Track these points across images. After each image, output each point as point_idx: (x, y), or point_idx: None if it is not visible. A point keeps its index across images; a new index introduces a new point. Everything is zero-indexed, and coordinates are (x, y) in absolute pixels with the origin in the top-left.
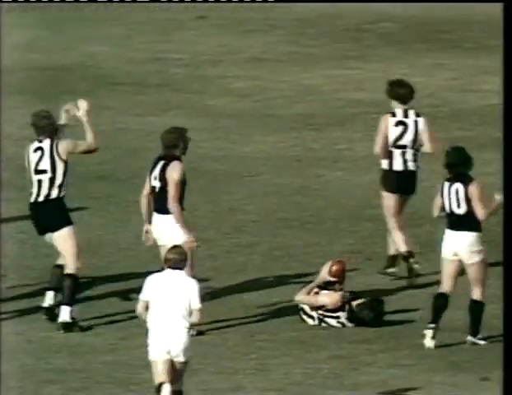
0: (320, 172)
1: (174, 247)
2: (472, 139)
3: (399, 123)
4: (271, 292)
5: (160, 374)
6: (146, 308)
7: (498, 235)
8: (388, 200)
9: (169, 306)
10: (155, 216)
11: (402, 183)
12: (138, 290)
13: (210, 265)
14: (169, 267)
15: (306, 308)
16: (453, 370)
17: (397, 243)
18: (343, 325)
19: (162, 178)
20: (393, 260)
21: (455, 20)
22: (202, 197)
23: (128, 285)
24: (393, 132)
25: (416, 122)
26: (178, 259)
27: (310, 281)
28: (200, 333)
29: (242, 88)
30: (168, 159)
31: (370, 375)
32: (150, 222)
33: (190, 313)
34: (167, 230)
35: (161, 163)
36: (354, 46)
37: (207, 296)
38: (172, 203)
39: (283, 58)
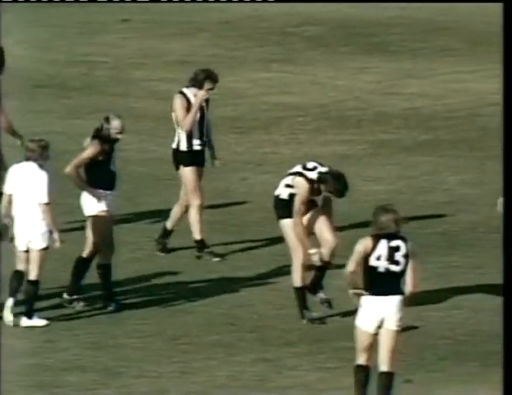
0: (245, 175)
1: (32, 140)
2: (397, 142)
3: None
4: (194, 295)
5: (19, 260)
6: (11, 202)
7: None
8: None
9: (25, 197)
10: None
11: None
12: (56, 295)
13: (133, 268)
14: (26, 159)
15: None
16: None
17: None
18: None
19: None
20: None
21: (379, 23)
22: (125, 200)
23: (51, 288)
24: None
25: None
26: (30, 152)
27: (235, 285)
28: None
29: (166, 91)
30: None
31: (294, 378)
32: None
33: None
34: None
35: None
36: (279, 49)
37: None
38: None
39: (207, 61)
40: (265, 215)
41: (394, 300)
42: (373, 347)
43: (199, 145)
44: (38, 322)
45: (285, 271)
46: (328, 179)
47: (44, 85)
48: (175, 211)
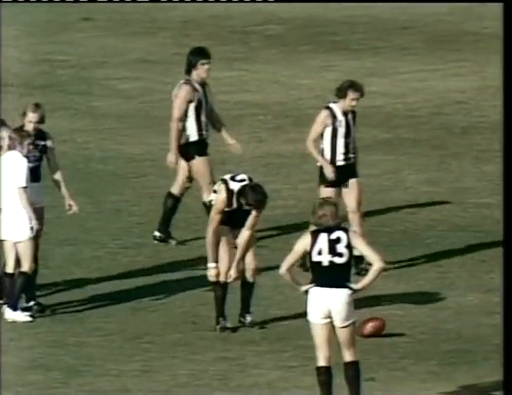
0: None
1: (14, 130)
2: (358, 140)
3: None
4: (156, 294)
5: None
6: None
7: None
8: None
9: (6, 187)
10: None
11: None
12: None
13: (95, 266)
14: (8, 148)
15: None
16: (339, 371)
17: None
18: None
19: None
20: None
21: (340, 21)
22: (87, 198)
23: None
24: None
25: None
26: (11, 141)
27: (197, 283)
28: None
29: (128, 89)
30: None
31: (257, 377)
32: None
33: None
34: None
35: None
36: (240, 48)
37: None
38: None
39: (169, 59)
40: None
41: (340, 294)
42: (329, 341)
43: (343, 160)
44: (20, 316)
45: None
46: (246, 192)
47: (10, 84)
48: None
